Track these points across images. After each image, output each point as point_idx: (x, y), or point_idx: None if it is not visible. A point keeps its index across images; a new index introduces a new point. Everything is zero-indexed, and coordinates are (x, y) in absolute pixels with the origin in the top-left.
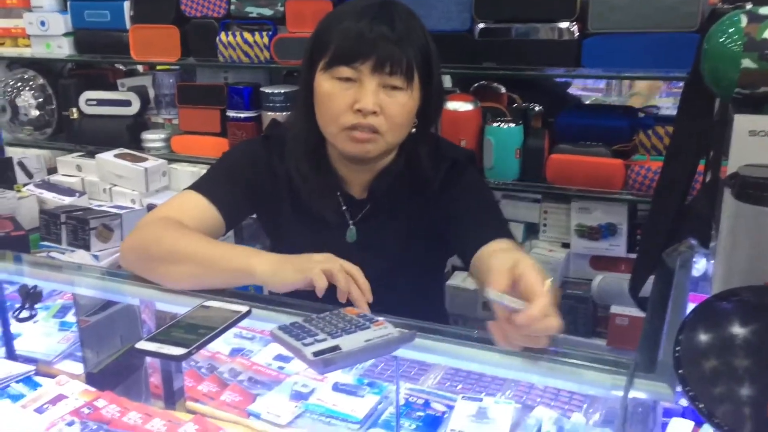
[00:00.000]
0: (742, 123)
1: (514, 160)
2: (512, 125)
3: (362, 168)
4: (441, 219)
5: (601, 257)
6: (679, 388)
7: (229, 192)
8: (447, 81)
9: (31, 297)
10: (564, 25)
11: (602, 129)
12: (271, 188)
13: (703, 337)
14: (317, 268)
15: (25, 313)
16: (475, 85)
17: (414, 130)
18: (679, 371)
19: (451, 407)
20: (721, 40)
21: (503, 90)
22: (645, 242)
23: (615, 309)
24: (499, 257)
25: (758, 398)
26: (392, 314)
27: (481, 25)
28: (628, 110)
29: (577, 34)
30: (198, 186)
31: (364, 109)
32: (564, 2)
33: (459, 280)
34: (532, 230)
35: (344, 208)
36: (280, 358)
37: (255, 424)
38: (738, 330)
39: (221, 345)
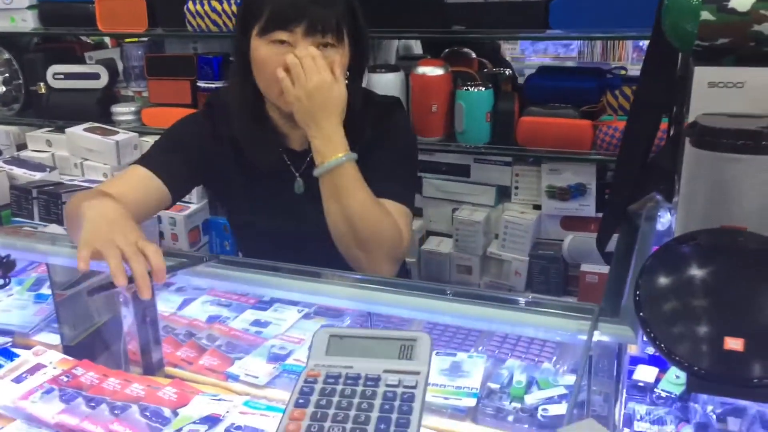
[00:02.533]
0: (702, 75)
1: (485, 123)
2: (482, 89)
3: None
4: (366, 165)
5: (571, 217)
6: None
7: (173, 164)
8: (417, 47)
9: (4, 266)
10: None
11: (571, 91)
12: (218, 155)
13: (662, 280)
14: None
15: None
16: (446, 50)
17: (346, 82)
18: (640, 314)
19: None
20: None
21: (473, 55)
22: (611, 197)
23: (585, 267)
24: None
25: (715, 335)
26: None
27: None
28: (596, 72)
29: None
30: (143, 160)
31: None
32: None
33: (434, 244)
34: (504, 193)
35: (288, 162)
36: (257, 323)
37: (233, 386)
38: (695, 272)
39: (198, 312)
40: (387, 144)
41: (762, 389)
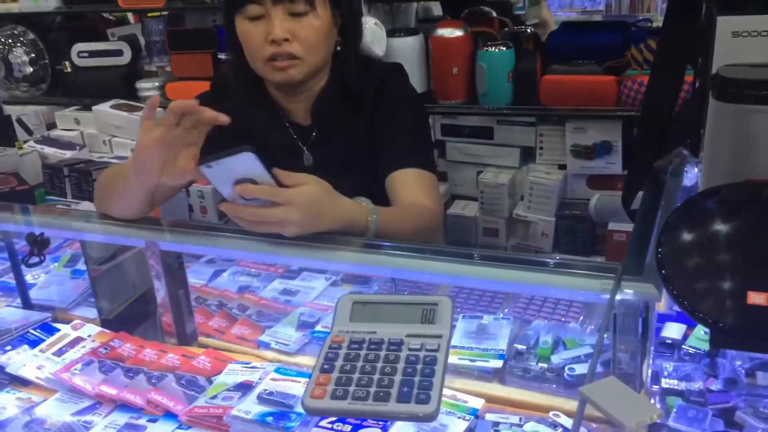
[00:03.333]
0: (726, 24)
1: (507, 84)
2: (503, 49)
3: (299, 95)
4: (376, 135)
5: (597, 176)
6: None
7: None
8: (437, 8)
9: (38, 244)
10: None
11: (594, 46)
12: (226, 130)
13: (685, 237)
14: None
15: (34, 260)
16: (466, 11)
17: (339, 49)
18: (662, 271)
19: (453, 326)
20: None
21: (494, 14)
22: (635, 154)
23: (612, 226)
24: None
25: (738, 290)
26: None
27: None
28: (621, 25)
29: None
30: None
31: (276, 38)
32: None
33: (459, 208)
34: (528, 154)
35: (294, 136)
36: (286, 292)
37: (265, 353)
38: (718, 227)
39: (229, 283)
40: (396, 111)
41: None
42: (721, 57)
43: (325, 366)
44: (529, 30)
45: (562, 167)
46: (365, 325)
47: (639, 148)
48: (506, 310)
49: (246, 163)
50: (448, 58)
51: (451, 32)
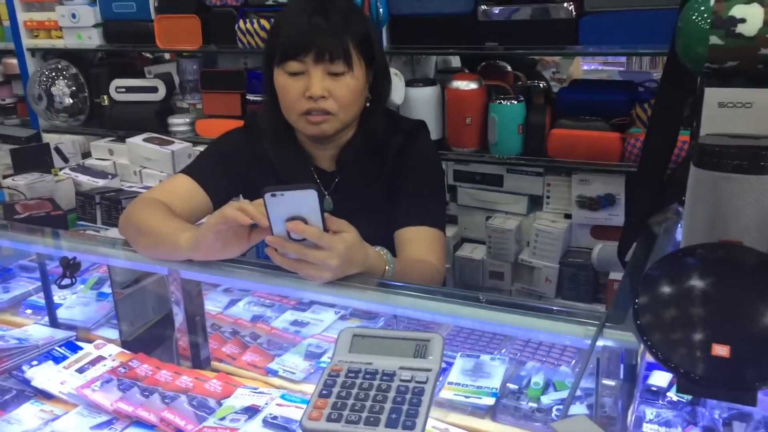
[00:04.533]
0: (712, 95)
1: (517, 135)
2: (515, 102)
3: (327, 145)
4: (394, 188)
5: (601, 227)
6: None
7: (215, 175)
8: (456, 60)
9: (71, 267)
10: (561, 5)
11: (601, 104)
12: (254, 170)
13: (661, 290)
14: (225, 209)
15: (66, 282)
16: (482, 63)
17: (369, 105)
18: (638, 321)
19: (451, 364)
20: (692, 17)
21: (509, 68)
22: (631, 209)
23: (613, 275)
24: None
25: (705, 342)
26: None
27: (483, 7)
28: (627, 85)
29: (574, 13)
30: (188, 170)
31: (313, 95)
32: None
33: (467, 251)
34: (536, 202)
35: (318, 181)
36: (296, 323)
37: (272, 380)
38: (692, 283)
39: (243, 311)
40: (415, 169)
41: (748, 393)
42: (708, 125)
43: (324, 392)
44: (541, 85)
45: (568, 216)
46: (362, 356)
47: (634, 204)
48: (503, 351)
49: (306, 200)
50: (463, 109)
51: (466, 85)
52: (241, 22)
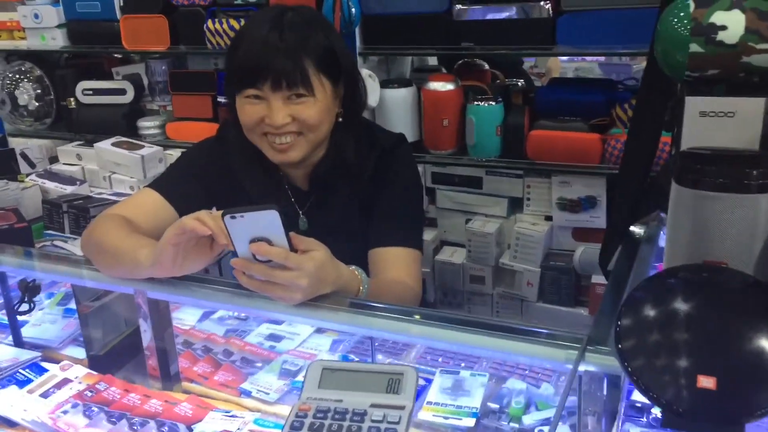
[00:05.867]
0: (693, 104)
1: (496, 137)
2: (492, 104)
3: (298, 165)
4: (371, 206)
5: (582, 229)
6: None
7: (184, 190)
8: (432, 58)
9: (30, 290)
10: (538, 4)
11: (581, 104)
12: (226, 185)
13: (644, 313)
14: (183, 220)
15: (24, 307)
16: (459, 62)
17: (340, 120)
18: (618, 345)
19: (429, 381)
20: (672, 23)
21: (486, 67)
22: (612, 216)
23: (596, 279)
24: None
25: (690, 372)
26: None
27: (459, 6)
28: (607, 84)
29: (551, 13)
30: (156, 184)
31: (273, 124)
32: None
33: (447, 254)
34: (516, 204)
35: (293, 200)
36: (272, 337)
37: (246, 401)
38: (676, 306)
39: (216, 326)
40: (392, 187)
41: (735, 428)
42: (689, 135)
43: None
44: (519, 84)
45: (549, 218)
46: (332, 392)
47: (615, 210)
48: (484, 364)
49: (268, 221)
50: (439, 111)
51: (442, 86)
52: (209, 23)
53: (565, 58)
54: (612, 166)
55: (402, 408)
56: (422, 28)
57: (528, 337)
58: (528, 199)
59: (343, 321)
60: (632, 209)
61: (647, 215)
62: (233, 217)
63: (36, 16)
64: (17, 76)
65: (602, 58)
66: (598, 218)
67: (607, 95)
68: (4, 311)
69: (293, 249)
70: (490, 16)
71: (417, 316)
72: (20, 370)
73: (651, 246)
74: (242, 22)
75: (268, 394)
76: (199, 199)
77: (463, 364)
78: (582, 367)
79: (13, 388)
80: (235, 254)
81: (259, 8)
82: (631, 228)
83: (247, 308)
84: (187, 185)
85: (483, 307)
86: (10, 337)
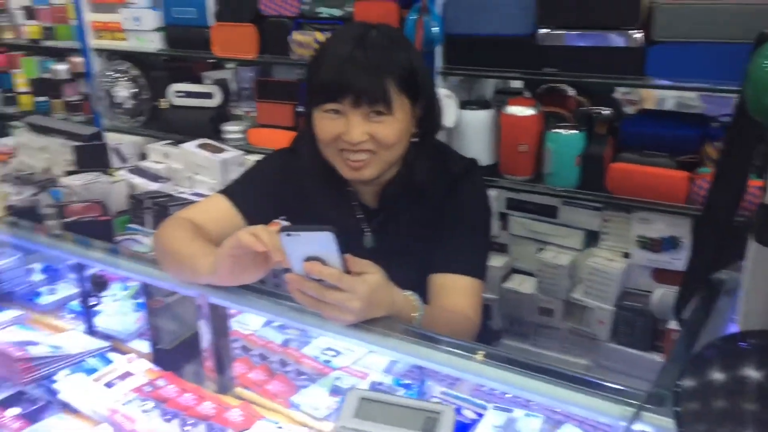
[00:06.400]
0: None
1: (574, 167)
2: (574, 132)
3: (369, 182)
4: (438, 230)
5: (663, 270)
6: None
7: (255, 198)
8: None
9: (97, 285)
10: (628, 32)
11: (669, 138)
12: (296, 196)
13: (709, 377)
14: (239, 234)
15: (92, 302)
16: (543, 86)
17: (415, 140)
18: (675, 408)
19: (481, 415)
20: (762, 65)
21: (570, 92)
22: (693, 261)
23: (674, 324)
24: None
25: None
26: None
27: (543, 30)
28: (699, 119)
29: (642, 42)
30: (228, 191)
31: (351, 141)
32: (629, 9)
33: (516, 283)
34: (592, 237)
35: (360, 216)
36: (329, 350)
37: (294, 414)
38: (743, 375)
39: (276, 334)
40: (460, 214)
41: None
42: None
43: None
44: (604, 113)
45: (626, 255)
46: (368, 423)
47: (694, 256)
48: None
49: (324, 241)
50: (517, 136)
51: (522, 110)
52: (295, 34)
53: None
54: (698, 207)
55: None
56: (505, 51)
57: (584, 387)
58: (605, 234)
59: (392, 347)
60: (714, 256)
61: (731, 264)
62: (289, 235)
63: (136, 19)
64: (116, 75)
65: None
66: (680, 260)
67: (699, 131)
68: (80, 300)
69: (347, 271)
70: (575, 42)
71: (466, 351)
72: (88, 359)
73: (730, 298)
74: (326, 34)
75: (317, 409)
76: (266, 209)
77: (517, 403)
78: (637, 427)
79: (81, 375)
80: (290, 269)
81: (344, 22)
82: (713, 276)
83: (301, 323)
84: (257, 195)
85: (550, 341)
86: (84, 326)
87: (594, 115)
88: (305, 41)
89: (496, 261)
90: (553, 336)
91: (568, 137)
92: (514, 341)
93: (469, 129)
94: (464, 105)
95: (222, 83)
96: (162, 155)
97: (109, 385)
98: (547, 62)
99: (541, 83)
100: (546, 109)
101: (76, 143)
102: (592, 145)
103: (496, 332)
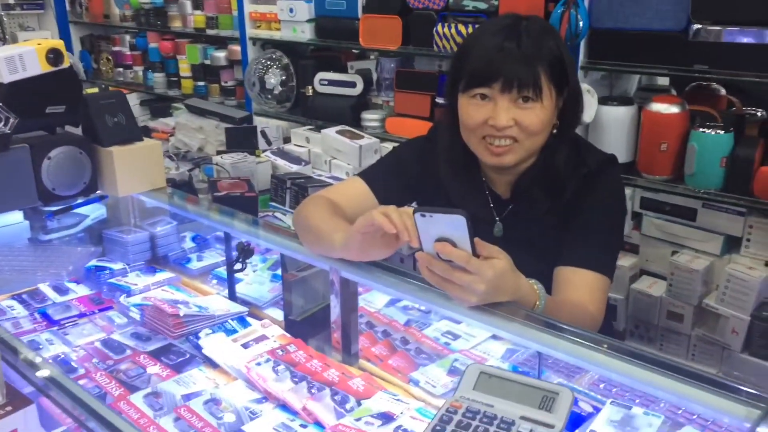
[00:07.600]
0: None
1: (719, 168)
2: (720, 132)
3: (505, 171)
4: (569, 222)
5: None
6: None
7: (389, 184)
8: (663, 78)
9: (245, 252)
10: None
11: None
12: (429, 183)
13: None
14: (372, 213)
15: (238, 266)
16: (691, 84)
17: (555, 132)
18: None
19: (598, 410)
20: None
21: (722, 92)
22: None
23: None
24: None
25: None
26: None
27: (696, 26)
28: None
29: None
30: (365, 174)
31: (497, 125)
32: None
33: (645, 284)
34: (733, 243)
35: (491, 205)
36: (448, 334)
37: (413, 389)
38: None
39: (399, 314)
40: (593, 209)
41: None
42: None
43: (437, 428)
44: (759, 114)
45: None
46: (485, 396)
47: None
48: (661, 405)
49: (455, 224)
50: (659, 134)
51: (666, 108)
52: (439, 26)
53: None
54: None
55: (551, 427)
56: (653, 46)
57: (707, 386)
58: (748, 240)
59: (513, 331)
60: None
61: None
62: (423, 215)
63: (291, 10)
64: (268, 62)
65: None
66: None
67: None
68: (224, 267)
69: (476, 254)
70: (730, 39)
71: (591, 342)
72: (229, 321)
73: None
74: (470, 28)
75: (434, 387)
76: (400, 193)
77: (637, 401)
78: (762, 430)
79: (222, 334)
80: (420, 249)
81: (488, 16)
82: None
83: (426, 301)
84: (392, 179)
85: (677, 348)
86: (226, 291)
87: (746, 116)
88: (448, 34)
89: (624, 261)
90: (681, 342)
91: (714, 137)
92: (638, 344)
93: (608, 125)
94: (604, 101)
95: (364, 73)
96: (304, 139)
97: (245, 345)
98: (697, 59)
99: (689, 81)
100: (693, 107)
101: (228, 125)
102: (741, 146)
103: (619, 334)
